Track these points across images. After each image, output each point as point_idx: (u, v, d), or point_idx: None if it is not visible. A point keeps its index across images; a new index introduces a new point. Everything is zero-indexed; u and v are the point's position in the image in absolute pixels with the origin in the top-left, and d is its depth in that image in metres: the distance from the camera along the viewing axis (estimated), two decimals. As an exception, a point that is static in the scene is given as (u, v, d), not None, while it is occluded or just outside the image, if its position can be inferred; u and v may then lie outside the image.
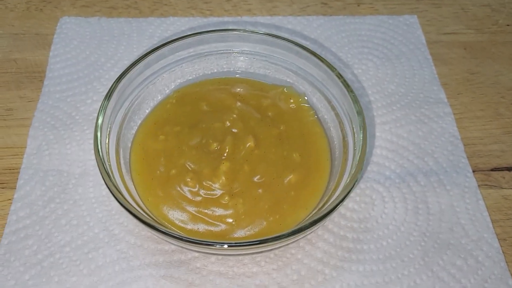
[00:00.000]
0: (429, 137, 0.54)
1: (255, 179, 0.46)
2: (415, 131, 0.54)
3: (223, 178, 0.45)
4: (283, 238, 0.38)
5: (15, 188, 0.49)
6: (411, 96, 0.57)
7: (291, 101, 0.52)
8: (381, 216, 0.48)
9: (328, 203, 0.41)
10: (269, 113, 0.50)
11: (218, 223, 0.44)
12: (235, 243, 0.38)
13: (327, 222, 0.47)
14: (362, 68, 0.60)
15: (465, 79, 0.59)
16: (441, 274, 0.44)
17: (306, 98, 0.52)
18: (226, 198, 0.44)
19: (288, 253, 0.45)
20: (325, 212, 0.40)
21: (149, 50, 0.49)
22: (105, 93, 0.48)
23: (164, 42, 0.50)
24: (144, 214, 0.40)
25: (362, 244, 0.46)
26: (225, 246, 0.38)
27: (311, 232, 0.44)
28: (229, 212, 0.44)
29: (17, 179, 0.49)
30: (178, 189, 0.45)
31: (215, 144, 0.47)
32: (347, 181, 0.41)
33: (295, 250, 0.46)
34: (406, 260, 0.45)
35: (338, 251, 0.46)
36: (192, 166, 0.46)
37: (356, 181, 0.41)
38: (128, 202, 0.40)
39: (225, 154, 0.47)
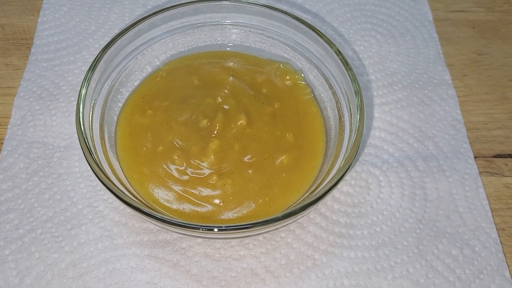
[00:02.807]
0: (431, 120, 0.51)
1: (246, 159, 0.44)
2: (417, 113, 0.52)
3: (212, 157, 0.43)
4: (271, 222, 0.37)
5: (-2, 160, 0.47)
6: (414, 76, 0.55)
7: (287, 77, 0.49)
8: (376, 201, 0.46)
9: (321, 187, 0.39)
10: (264, 90, 0.48)
11: (204, 204, 0.42)
12: (222, 227, 0.36)
13: (319, 205, 0.45)
14: (364, 45, 0.57)
15: (472, 60, 0.57)
16: (435, 264, 0.43)
17: (302, 75, 0.50)
18: (214, 178, 0.42)
19: (277, 237, 0.44)
20: (316, 196, 0.38)
21: (139, 19, 0.47)
22: (93, 64, 0.46)
23: (157, 10, 0.48)
24: (127, 193, 0.38)
25: (355, 230, 0.45)
26: (215, 230, 0.36)
27: (302, 217, 0.43)
28: (217, 192, 0.42)
29: (0, 150, 0.48)
30: (165, 167, 0.43)
31: (205, 121, 0.45)
32: (341, 165, 0.39)
33: (285, 234, 0.44)
34: (399, 247, 0.44)
35: (329, 236, 0.44)
36: (180, 143, 0.44)
37: (350, 164, 0.39)
38: (110, 180, 0.38)
39: (215, 132, 0.44)
